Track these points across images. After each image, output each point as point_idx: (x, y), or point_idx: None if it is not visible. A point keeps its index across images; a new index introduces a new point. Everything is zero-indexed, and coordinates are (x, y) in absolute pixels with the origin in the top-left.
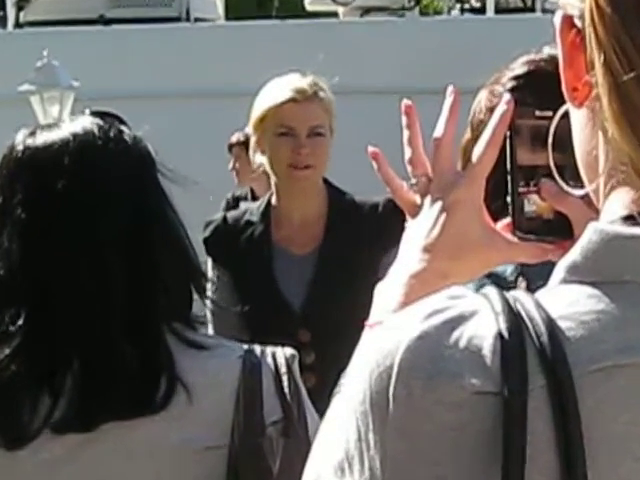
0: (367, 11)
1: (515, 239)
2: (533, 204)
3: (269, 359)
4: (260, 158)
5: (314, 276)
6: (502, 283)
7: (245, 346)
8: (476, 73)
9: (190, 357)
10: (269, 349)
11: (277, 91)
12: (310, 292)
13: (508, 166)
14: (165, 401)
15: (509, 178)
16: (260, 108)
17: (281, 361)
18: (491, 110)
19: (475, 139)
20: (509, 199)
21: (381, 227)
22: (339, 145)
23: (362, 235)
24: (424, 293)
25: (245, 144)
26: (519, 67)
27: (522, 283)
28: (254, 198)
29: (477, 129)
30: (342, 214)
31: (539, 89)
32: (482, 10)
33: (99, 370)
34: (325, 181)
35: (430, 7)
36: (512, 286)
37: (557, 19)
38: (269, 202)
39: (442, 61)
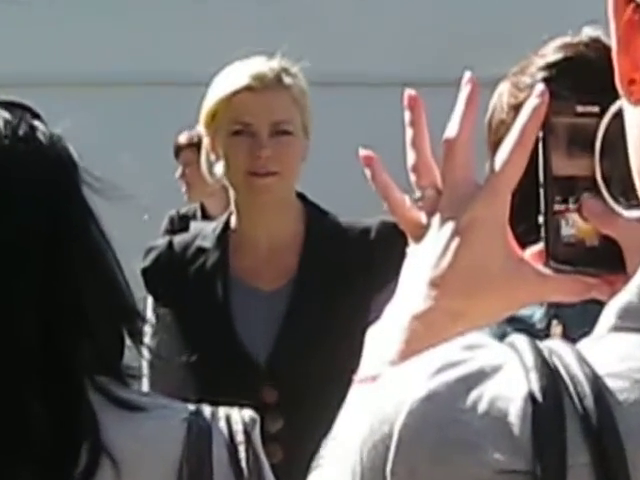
0: None
1: (548, 271)
2: (572, 226)
3: (222, 423)
4: (216, 166)
5: (284, 319)
6: (529, 330)
7: (191, 407)
8: (497, 59)
9: (120, 420)
10: (222, 411)
11: (231, 78)
12: (279, 339)
13: (541, 177)
14: (86, 478)
15: (542, 192)
16: (211, 101)
17: (237, 427)
18: (516, 108)
19: (495, 144)
20: (541, 219)
21: (373, 258)
22: (318, 149)
23: (348, 268)
24: (431, 340)
25: (197, 147)
26: (552, 53)
27: (557, 328)
28: (205, 217)
29: (497, 132)
30: (322, 240)
31: (578, 80)
32: None
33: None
34: (300, 196)
35: None
36: (543, 334)
37: None
38: (227, 223)
39: (454, 44)
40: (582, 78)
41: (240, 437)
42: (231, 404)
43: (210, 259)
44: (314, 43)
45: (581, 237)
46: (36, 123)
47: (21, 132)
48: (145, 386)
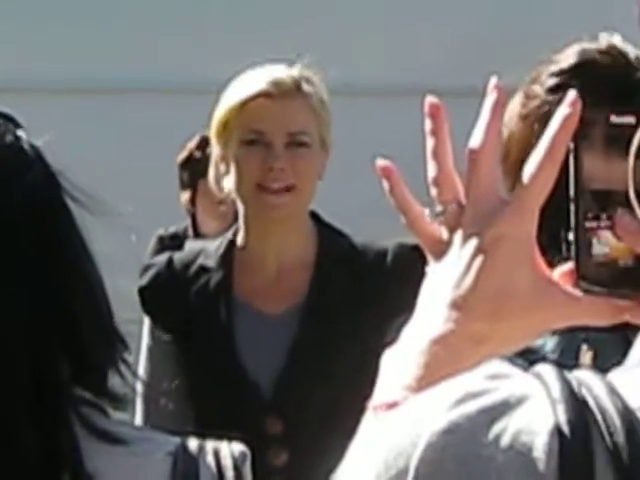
0: None
1: (578, 292)
2: (605, 244)
3: (209, 458)
4: (226, 179)
5: (292, 345)
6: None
7: (177, 440)
8: (525, 67)
9: (100, 455)
10: (210, 445)
11: (246, 84)
12: (285, 367)
13: (572, 191)
14: None
15: (572, 207)
16: (224, 107)
17: (226, 462)
18: (524, 118)
19: (505, 158)
20: (572, 236)
21: (389, 284)
22: (334, 161)
23: (361, 294)
24: (452, 366)
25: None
26: (565, 59)
27: (587, 355)
28: (197, 236)
29: (507, 144)
30: (335, 263)
31: (592, 88)
32: None
33: None
34: (313, 215)
35: None
36: (568, 364)
37: None
38: (232, 242)
39: (479, 50)
40: (596, 87)
41: (230, 473)
42: (231, 438)
43: (213, 279)
44: (334, 51)
45: (614, 256)
46: (20, 133)
47: (7, 142)
48: (138, 418)
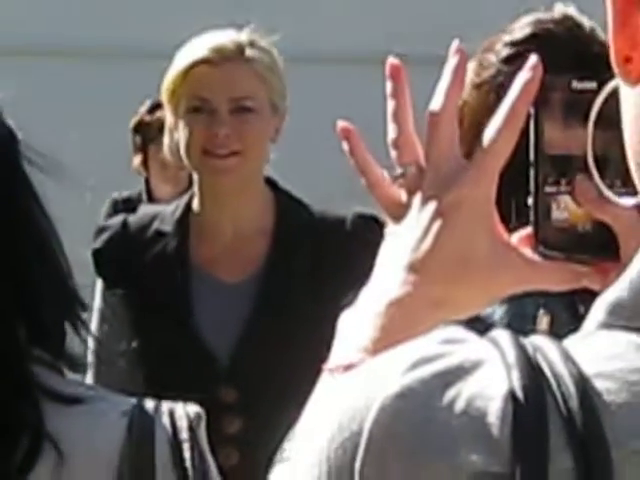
0: None
1: (537, 257)
2: (564, 210)
3: (165, 419)
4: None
5: (248, 313)
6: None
7: (133, 400)
8: (485, 32)
9: (58, 415)
10: (165, 405)
11: (191, 51)
12: (241, 335)
13: (531, 155)
14: (27, 464)
15: (532, 172)
16: (170, 75)
17: (181, 423)
18: (478, 87)
19: (457, 125)
20: (531, 201)
21: (349, 251)
22: (294, 129)
23: (320, 262)
24: (408, 328)
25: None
26: (519, 29)
27: (544, 320)
28: (151, 200)
29: (460, 112)
30: (293, 230)
31: (551, 57)
32: None
33: None
34: (269, 182)
35: None
36: (520, 330)
37: None
38: (188, 207)
39: (440, 16)
40: (550, 57)
41: (185, 434)
42: (185, 401)
43: (169, 244)
44: (292, 17)
45: (573, 221)
46: None
47: None
48: (89, 378)
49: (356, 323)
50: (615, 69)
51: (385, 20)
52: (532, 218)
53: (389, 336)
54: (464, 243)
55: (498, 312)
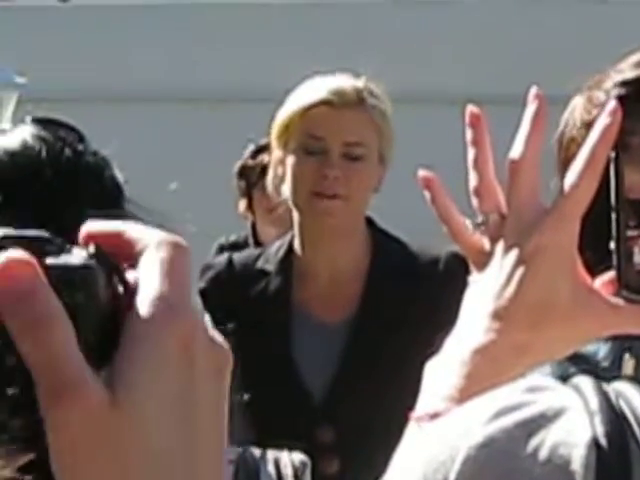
0: None
1: (620, 301)
2: None
3: (270, 467)
4: (284, 185)
5: (345, 354)
6: (593, 369)
7: (238, 449)
8: (567, 76)
9: None
10: (271, 454)
11: (310, 91)
12: (337, 377)
13: (613, 200)
14: None
15: (614, 217)
16: (285, 112)
17: (287, 471)
18: (588, 125)
19: (565, 163)
20: (613, 245)
21: (441, 294)
22: (390, 171)
23: (414, 303)
24: (494, 376)
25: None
26: (630, 69)
27: (629, 363)
28: (257, 244)
29: (567, 149)
30: (388, 271)
31: None
32: None
33: None
34: (369, 222)
35: None
36: (609, 373)
37: None
38: (290, 247)
39: (522, 60)
40: None
41: None
42: (282, 446)
43: (272, 283)
44: (380, 61)
45: None
46: (81, 148)
47: (64, 158)
48: None
49: (442, 371)
50: None
51: (464, 61)
52: (614, 262)
53: (475, 384)
54: (547, 289)
55: (602, 351)
